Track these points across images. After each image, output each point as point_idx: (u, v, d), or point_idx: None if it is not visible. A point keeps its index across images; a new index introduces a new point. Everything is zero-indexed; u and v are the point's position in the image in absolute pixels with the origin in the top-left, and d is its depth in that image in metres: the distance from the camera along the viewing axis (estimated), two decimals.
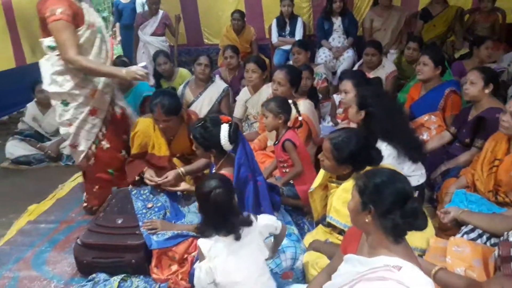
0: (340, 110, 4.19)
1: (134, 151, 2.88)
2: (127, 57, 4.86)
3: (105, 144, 2.92)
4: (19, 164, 4.15)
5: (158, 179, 2.69)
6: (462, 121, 3.04)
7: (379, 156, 2.15)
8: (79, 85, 2.74)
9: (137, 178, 2.82)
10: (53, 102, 2.82)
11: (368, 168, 2.12)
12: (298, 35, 5.48)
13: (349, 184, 2.11)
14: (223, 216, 1.79)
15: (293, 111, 2.79)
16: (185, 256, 2.34)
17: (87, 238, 2.42)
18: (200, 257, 1.82)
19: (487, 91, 2.85)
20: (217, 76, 4.45)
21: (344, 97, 3.08)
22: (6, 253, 2.73)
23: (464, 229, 2.16)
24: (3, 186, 3.75)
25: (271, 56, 5.69)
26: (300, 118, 2.82)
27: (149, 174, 2.74)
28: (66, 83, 2.72)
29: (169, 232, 2.36)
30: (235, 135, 2.31)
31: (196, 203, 2.57)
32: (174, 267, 2.34)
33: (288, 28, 5.55)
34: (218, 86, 4.19)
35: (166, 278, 2.33)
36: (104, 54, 2.84)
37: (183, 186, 2.73)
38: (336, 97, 4.28)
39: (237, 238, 1.77)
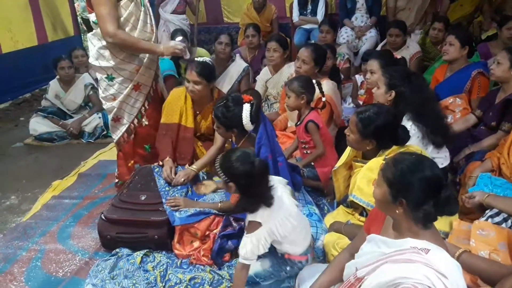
0: (361, 91, 4.14)
1: (162, 120, 2.85)
2: None
3: (144, 121, 2.92)
4: (42, 141, 4.23)
5: (173, 176, 2.65)
6: (489, 104, 2.96)
7: (405, 136, 2.12)
8: (125, 60, 2.72)
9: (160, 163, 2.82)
10: (98, 76, 2.83)
11: (394, 148, 2.09)
12: (320, 14, 5.38)
13: (374, 163, 2.09)
14: (267, 183, 1.86)
15: (317, 91, 2.76)
16: (207, 233, 2.37)
17: (111, 214, 2.46)
18: (251, 230, 1.86)
19: None
20: (237, 55, 4.42)
21: (370, 77, 3.01)
22: (32, 227, 2.80)
23: (489, 212, 2.13)
24: (27, 162, 3.84)
25: (292, 35, 5.61)
26: (323, 99, 2.79)
27: (169, 166, 2.69)
28: (113, 58, 2.71)
29: (192, 209, 2.39)
30: (257, 115, 2.30)
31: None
32: (196, 244, 2.38)
33: (309, 7, 5.44)
34: (238, 65, 4.16)
35: (188, 254, 2.36)
36: (149, 28, 2.78)
37: (211, 187, 2.65)
38: (358, 78, 4.22)
39: (270, 204, 1.86)
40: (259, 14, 5.50)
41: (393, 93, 2.49)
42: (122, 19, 2.64)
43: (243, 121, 2.27)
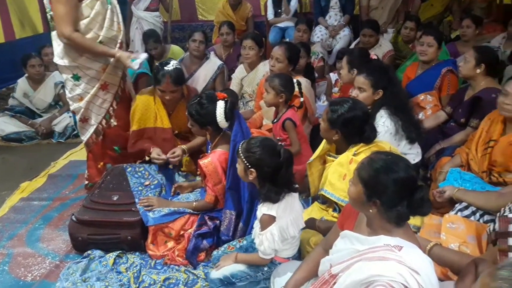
0: (335, 89, 4.17)
1: (134, 127, 2.81)
2: None
3: (113, 121, 2.88)
4: (10, 141, 4.11)
5: (165, 156, 2.64)
6: (458, 101, 3.04)
7: (371, 134, 2.15)
8: (91, 58, 2.68)
9: (147, 158, 2.78)
10: (64, 75, 2.76)
11: (361, 144, 2.12)
12: (293, 10, 5.40)
13: (343, 158, 2.13)
14: (290, 170, 1.89)
15: (296, 90, 2.77)
16: (182, 232, 2.34)
17: (82, 215, 2.41)
18: (265, 225, 1.86)
19: (478, 70, 2.84)
20: (212, 53, 4.39)
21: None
22: (0, 230, 2.71)
23: (458, 206, 2.18)
24: None
25: (267, 33, 5.61)
26: (301, 99, 2.80)
27: (156, 153, 2.68)
28: (78, 56, 2.65)
29: (166, 209, 2.36)
30: (231, 112, 2.29)
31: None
32: (171, 244, 2.35)
33: (283, 5, 5.45)
34: (213, 63, 4.13)
35: (162, 254, 2.34)
36: (116, 26, 2.75)
37: (188, 187, 2.64)
38: (332, 76, 4.25)
39: (296, 190, 1.91)
40: (234, 12, 5.47)
41: (381, 92, 2.51)
42: (89, 18, 2.61)
43: (218, 118, 2.26)
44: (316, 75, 4.41)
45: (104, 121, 2.84)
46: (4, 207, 2.99)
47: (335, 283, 1.45)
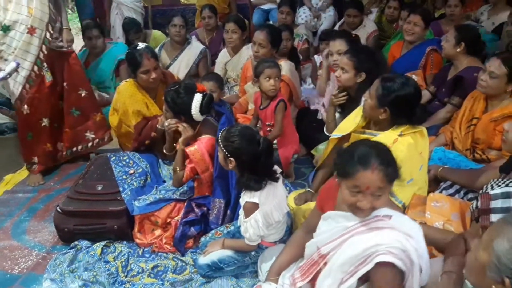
0: (320, 72, 4.15)
1: (133, 121, 2.73)
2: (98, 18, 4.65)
3: (25, 108, 2.92)
4: None
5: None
6: (442, 80, 3.06)
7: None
8: None
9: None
10: None
11: (407, 126, 2.00)
12: None
13: (385, 138, 1.95)
14: (270, 159, 1.89)
15: None
16: (168, 220, 2.33)
17: (67, 206, 2.38)
18: (248, 213, 1.86)
19: (458, 49, 2.85)
20: (193, 37, 4.32)
21: (338, 59, 2.78)
22: None
23: (443, 185, 2.21)
24: None
25: (250, 16, 5.53)
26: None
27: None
28: None
29: (151, 197, 2.35)
30: (207, 107, 2.27)
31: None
32: (158, 232, 2.34)
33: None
34: (195, 48, 4.07)
35: (150, 242, 2.33)
36: (25, 10, 2.74)
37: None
38: (317, 58, 4.22)
39: (277, 179, 1.91)
40: None
41: (363, 75, 2.46)
42: None
43: (192, 111, 2.24)
44: (301, 57, 4.39)
45: (18, 102, 2.91)
46: None
47: (325, 263, 1.48)
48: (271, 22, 4.95)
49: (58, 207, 2.40)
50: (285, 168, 2.78)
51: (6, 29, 2.71)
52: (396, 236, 1.34)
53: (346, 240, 1.42)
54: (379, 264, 1.33)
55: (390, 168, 1.37)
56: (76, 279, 2.13)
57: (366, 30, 4.30)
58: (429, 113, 3.02)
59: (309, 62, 4.44)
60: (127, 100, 2.73)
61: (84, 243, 2.35)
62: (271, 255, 1.92)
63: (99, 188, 2.44)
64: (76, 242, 2.36)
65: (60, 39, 2.99)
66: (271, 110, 2.71)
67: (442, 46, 2.99)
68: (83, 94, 3.14)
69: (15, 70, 2.73)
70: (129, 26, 4.53)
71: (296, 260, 1.75)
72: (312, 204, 2.24)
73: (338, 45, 2.88)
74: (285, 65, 3.15)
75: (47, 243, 2.46)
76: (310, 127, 3.11)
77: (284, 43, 3.74)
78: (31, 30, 2.78)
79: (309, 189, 2.45)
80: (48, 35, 2.87)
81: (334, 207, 1.60)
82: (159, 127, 2.60)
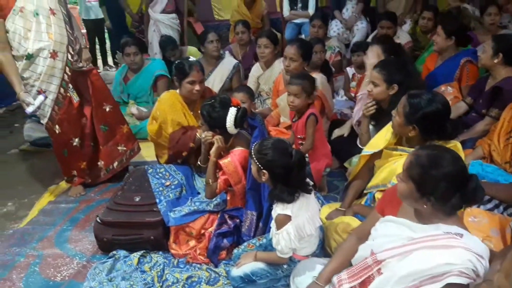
0: (353, 84, 4.14)
1: (170, 130, 2.83)
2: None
3: (57, 128, 3.03)
4: (37, 146, 4.21)
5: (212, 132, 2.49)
6: (479, 91, 2.98)
7: (453, 132, 2.01)
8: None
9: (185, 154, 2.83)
10: None
11: (440, 142, 1.96)
12: (311, 7, 5.35)
13: None
14: (303, 171, 1.89)
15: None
16: (202, 231, 2.38)
17: (106, 216, 2.47)
18: (280, 225, 1.87)
19: (496, 60, 2.78)
20: (226, 52, 4.42)
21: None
22: (30, 232, 2.81)
23: None
24: (23, 168, 3.83)
25: (283, 30, 5.60)
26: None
27: (202, 134, 2.58)
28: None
29: (186, 208, 2.41)
30: (242, 120, 2.33)
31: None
32: (192, 243, 2.39)
33: (300, 1, 5.42)
34: (228, 63, 4.17)
35: (185, 253, 2.38)
36: (45, 37, 2.84)
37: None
38: (349, 70, 4.23)
39: (310, 191, 1.91)
40: (250, 10, 5.48)
41: (396, 87, 2.45)
42: (10, 32, 2.78)
43: (227, 124, 2.30)
44: (334, 70, 4.40)
45: (49, 123, 3.00)
46: (33, 210, 3.09)
47: (379, 269, 1.45)
48: (303, 36, 4.99)
49: (98, 218, 2.49)
50: (317, 182, 2.78)
51: (30, 57, 2.81)
52: (469, 257, 1.31)
53: (411, 251, 1.39)
54: (449, 285, 1.31)
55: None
56: (113, 287, 2.20)
57: (400, 41, 4.25)
58: (466, 125, 2.95)
59: (341, 74, 4.45)
60: (167, 109, 2.84)
61: (122, 252, 2.43)
62: (304, 269, 1.91)
63: (137, 199, 2.52)
64: (114, 252, 2.44)
65: (79, 60, 3.07)
66: (302, 123, 2.73)
67: (478, 56, 2.92)
68: (107, 109, 3.23)
69: (43, 102, 2.87)
70: (166, 43, 4.71)
71: (346, 267, 1.71)
72: (345, 218, 2.24)
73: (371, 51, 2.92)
74: (317, 78, 3.17)
75: (87, 252, 2.56)
76: (342, 140, 3.10)
77: (318, 56, 3.78)
78: (53, 55, 2.87)
79: (339, 208, 2.43)
80: (69, 56, 2.96)
81: (397, 213, 1.57)
82: (197, 138, 2.68)
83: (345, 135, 3.10)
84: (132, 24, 6.06)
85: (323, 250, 2.16)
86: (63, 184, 3.38)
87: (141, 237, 2.41)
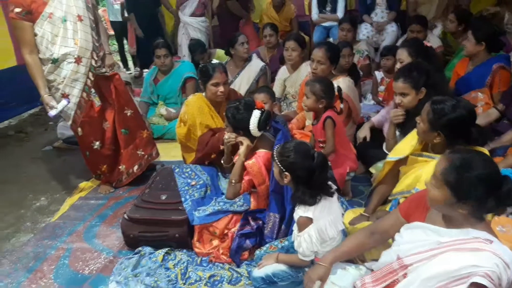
0: (382, 88, 4.10)
1: (199, 133, 2.90)
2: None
3: (79, 130, 3.11)
4: (69, 144, 4.35)
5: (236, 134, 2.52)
6: (511, 97, 2.90)
7: (479, 137, 1.98)
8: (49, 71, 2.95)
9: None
10: None
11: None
12: (340, 10, 5.34)
13: None
14: (325, 174, 1.89)
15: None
16: (225, 231, 2.41)
17: (133, 213, 2.54)
18: (302, 227, 1.88)
19: None
20: (254, 55, 4.45)
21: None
22: (60, 226, 2.92)
23: (510, 209, 2.09)
24: (56, 165, 3.98)
25: (311, 33, 5.60)
26: (341, 106, 2.79)
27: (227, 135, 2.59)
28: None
29: (210, 208, 2.44)
30: (265, 123, 2.36)
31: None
32: (215, 242, 2.43)
33: (329, 4, 5.41)
34: (255, 65, 4.21)
35: (208, 252, 2.42)
36: (71, 42, 2.91)
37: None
38: (378, 74, 4.18)
39: (332, 194, 1.91)
40: (278, 14, 5.51)
41: (423, 90, 2.44)
42: (38, 37, 2.85)
43: (250, 127, 2.34)
44: (362, 73, 4.36)
45: (73, 125, 3.09)
46: (64, 205, 3.20)
47: (405, 274, 1.45)
48: (331, 40, 4.98)
49: (125, 214, 2.57)
50: (341, 186, 2.77)
51: (56, 61, 2.89)
52: (497, 261, 1.30)
53: (437, 255, 1.39)
54: (472, 284, 1.30)
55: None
56: (139, 283, 2.25)
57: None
58: (497, 133, 2.87)
59: (370, 78, 4.40)
60: (196, 112, 2.90)
61: (147, 249, 2.49)
62: None
63: (163, 197, 2.58)
64: (140, 248, 2.51)
65: (102, 65, 3.12)
66: (320, 126, 2.74)
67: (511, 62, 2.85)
68: (128, 114, 3.27)
69: (66, 106, 2.95)
70: (195, 47, 4.78)
71: (353, 255, 1.72)
72: (367, 223, 2.23)
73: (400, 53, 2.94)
74: (344, 82, 3.17)
75: (114, 247, 2.63)
76: (368, 144, 3.08)
77: (346, 59, 3.76)
78: (78, 60, 2.94)
79: (363, 213, 2.42)
80: (93, 62, 3.02)
81: (425, 219, 1.56)
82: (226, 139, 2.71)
83: (368, 139, 3.07)
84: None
85: None
86: (93, 181, 3.49)
87: (166, 234, 2.47)
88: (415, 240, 1.49)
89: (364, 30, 5.06)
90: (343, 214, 2.08)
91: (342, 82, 3.08)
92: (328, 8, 5.42)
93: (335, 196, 1.98)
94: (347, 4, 5.58)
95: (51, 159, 4.14)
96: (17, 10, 2.77)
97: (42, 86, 2.90)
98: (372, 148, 3.00)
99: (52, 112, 2.89)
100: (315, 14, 5.50)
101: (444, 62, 4.20)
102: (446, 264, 1.35)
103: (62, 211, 3.13)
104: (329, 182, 1.99)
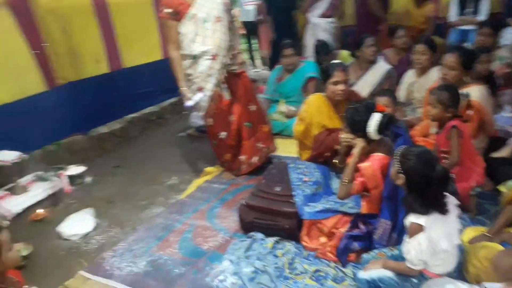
0: None
1: (315, 132, 3.01)
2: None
3: (210, 121, 3.40)
4: (201, 132, 4.73)
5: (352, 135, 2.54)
6: None
7: None
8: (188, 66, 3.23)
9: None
10: None
11: None
12: (484, 13, 4.88)
13: None
14: (443, 193, 1.83)
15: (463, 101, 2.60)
16: (333, 230, 2.45)
17: (250, 200, 2.74)
18: (412, 233, 1.86)
19: None
20: (380, 57, 4.35)
21: None
22: (187, 204, 3.26)
23: None
24: (188, 150, 4.41)
25: (446, 36, 5.23)
26: (469, 112, 2.61)
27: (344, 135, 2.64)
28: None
29: (320, 205, 2.51)
30: (385, 127, 2.31)
31: None
32: (323, 239, 2.49)
33: (471, 5, 4.99)
34: (381, 68, 4.12)
35: (315, 247, 2.49)
36: (209, 41, 3.14)
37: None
38: None
39: (446, 212, 1.83)
40: (418, 7, 5.26)
41: None
42: (181, 35, 3.13)
43: (368, 129, 2.31)
44: (501, 82, 3.95)
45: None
46: (192, 186, 3.56)
47: None
48: (468, 44, 4.60)
49: (244, 201, 2.78)
50: (465, 201, 2.59)
51: (195, 57, 3.15)
52: None
53: None
54: None
55: None
56: (249, 265, 2.41)
57: None
58: None
59: (509, 87, 3.97)
60: (314, 111, 3.00)
61: (259, 235, 2.66)
62: (434, 287, 1.85)
63: (277, 189, 2.73)
64: (253, 233, 2.69)
65: (233, 63, 3.35)
66: (444, 136, 2.59)
67: None
68: (252, 109, 3.51)
69: (201, 99, 3.22)
70: (320, 48, 4.85)
71: None
72: (489, 244, 2.07)
73: None
74: (478, 90, 2.94)
75: (230, 229, 2.86)
76: (499, 159, 2.82)
77: (483, 66, 3.48)
78: (214, 57, 3.17)
79: (485, 233, 2.25)
80: (227, 60, 3.25)
81: None
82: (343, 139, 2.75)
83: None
84: None
85: (460, 273, 2.04)
86: (218, 168, 3.79)
87: (277, 224, 2.60)
88: None
89: (508, 35, 4.54)
90: (460, 229, 1.97)
91: (475, 90, 2.88)
92: (469, 9, 4.99)
93: (455, 209, 1.89)
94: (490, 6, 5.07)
95: (184, 144, 4.59)
96: (167, 10, 3.14)
97: (181, 78, 3.24)
98: (504, 164, 2.74)
99: (189, 103, 3.20)
100: (453, 15, 5.11)
101: None
102: None
103: (190, 190, 3.48)
104: (450, 198, 1.89)
